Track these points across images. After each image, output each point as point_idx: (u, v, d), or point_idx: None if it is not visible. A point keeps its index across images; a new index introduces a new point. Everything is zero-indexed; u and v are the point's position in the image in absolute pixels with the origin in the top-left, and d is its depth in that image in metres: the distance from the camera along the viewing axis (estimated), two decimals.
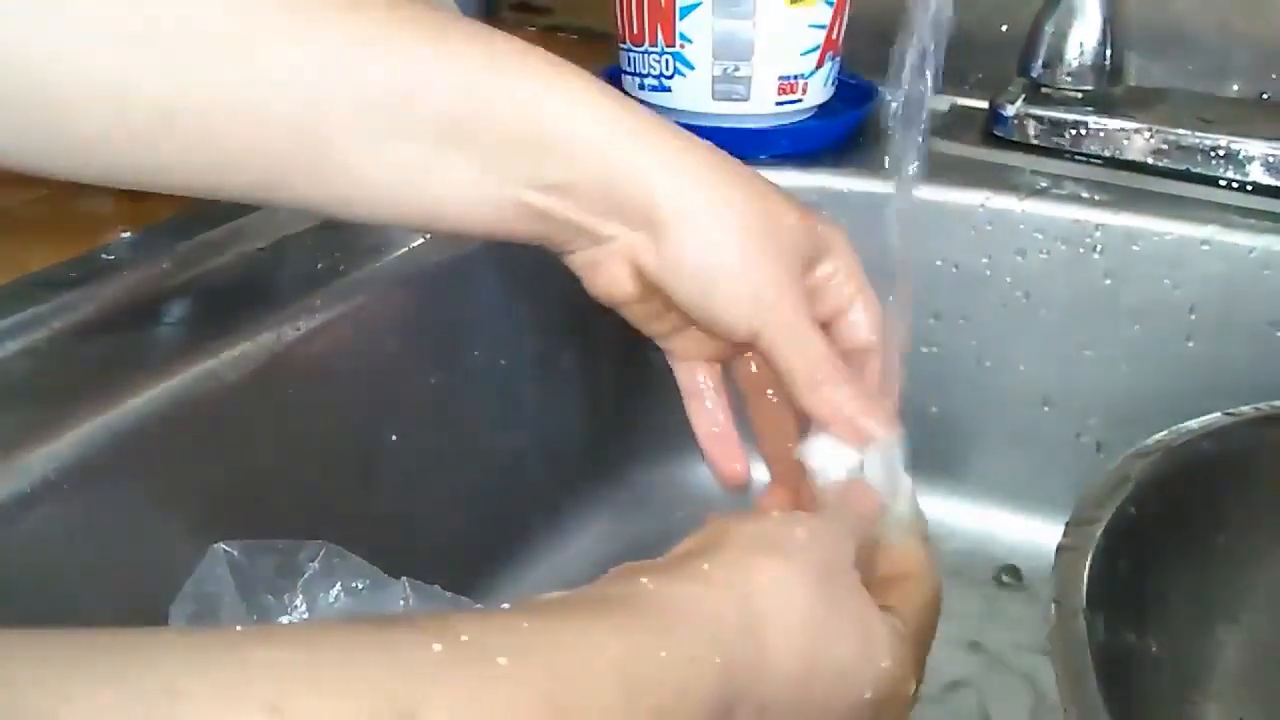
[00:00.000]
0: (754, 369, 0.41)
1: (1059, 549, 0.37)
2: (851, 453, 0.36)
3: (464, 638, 0.23)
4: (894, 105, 0.35)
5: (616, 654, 0.25)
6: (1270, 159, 0.58)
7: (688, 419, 0.42)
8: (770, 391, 0.41)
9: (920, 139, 0.36)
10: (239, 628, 0.21)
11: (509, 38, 0.34)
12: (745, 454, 0.41)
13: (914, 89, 0.37)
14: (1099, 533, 0.38)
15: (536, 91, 0.34)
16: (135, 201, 0.55)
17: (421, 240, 0.51)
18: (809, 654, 0.29)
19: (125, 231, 0.50)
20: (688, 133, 0.36)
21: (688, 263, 0.35)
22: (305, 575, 0.40)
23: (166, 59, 0.29)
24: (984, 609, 0.59)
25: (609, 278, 0.37)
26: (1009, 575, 0.61)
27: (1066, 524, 0.38)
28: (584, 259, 0.37)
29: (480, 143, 0.33)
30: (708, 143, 0.36)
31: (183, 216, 0.51)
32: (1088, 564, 0.36)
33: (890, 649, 0.31)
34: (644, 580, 0.28)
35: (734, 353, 0.41)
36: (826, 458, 0.37)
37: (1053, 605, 0.34)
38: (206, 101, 0.30)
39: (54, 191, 0.59)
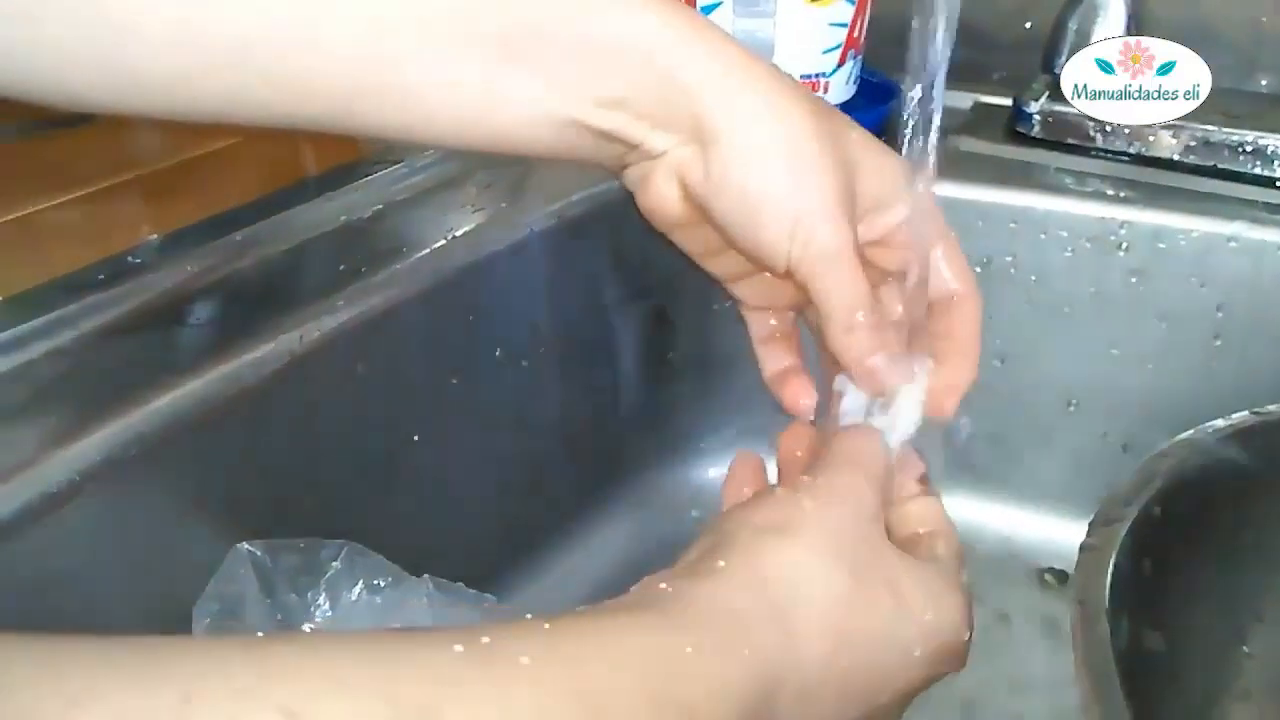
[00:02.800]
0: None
1: (1082, 549, 0.37)
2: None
3: (485, 639, 0.23)
4: (911, 99, 0.34)
5: (641, 650, 0.25)
6: None
7: (757, 363, 0.40)
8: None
9: (921, 138, 0.36)
10: (259, 634, 0.21)
11: None
12: (813, 388, 0.39)
13: (925, 88, 0.36)
14: (1123, 533, 0.38)
15: (593, 5, 0.33)
16: (163, 205, 0.56)
17: (442, 241, 0.51)
18: (840, 628, 0.29)
19: (153, 234, 0.51)
20: (746, 49, 0.35)
21: (730, 180, 0.34)
22: (328, 574, 0.40)
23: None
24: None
25: (658, 194, 0.36)
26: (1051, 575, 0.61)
27: (1090, 524, 0.38)
28: (637, 174, 0.36)
29: (542, 58, 0.33)
30: (770, 62, 0.35)
31: (206, 220, 0.51)
32: (1111, 564, 0.36)
33: (930, 600, 0.31)
34: (663, 585, 0.28)
35: (803, 299, 0.38)
36: (857, 396, 0.36)
37: (1076, 606, 0.34)
38: (278, 32, 0.30)
39: (82, 196, 0.60)
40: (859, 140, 0.36)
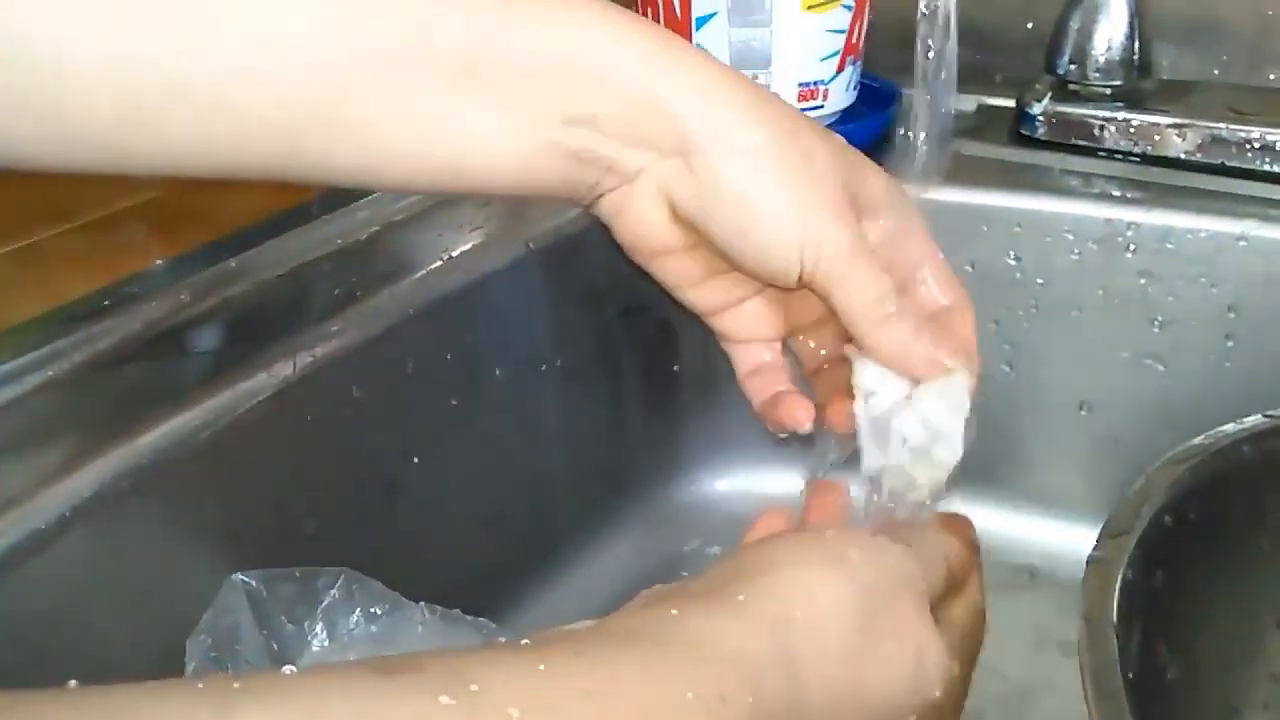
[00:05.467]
0: (813, 345, 0.38)
1: (1089, 561, 0.36)
2: (903, 382, 0.35)
3: (474, 687, 0.22)
4: (913, 112, 0.34)
5: (637, 701, 0.24)
6: None
7: (745, 396, 0.38)
8: (827, 366, 0.38)
9: (921, 141, 0.35)
10: (235, 684, 0.21)
11: None
12: (811, 405, 0.37)
13: (930, 92, 0.36)
14: (1132, 543, 0.37)
15: (553, 20, 0.32)
16: (166, 231, 0.56)
17: (439, 263, 0.51)
18: (849, 688, 0.28)
19: (153, 261, 0.51)
20: (719, 60, 0.34)
21: (726, 187, 0.32)
22: (324, 602, 0.40)
23: (174, 32, 0.28)
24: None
25: (641, 219, 0.34)
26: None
27: (1099, 535, 0.37)
28: (613, 201, 0.34)
29: (500, 82, 0.31)
30: (738, 71, 0.34)
31: (203, 246, 0.51)
32: (1120, 576, 0.35)
33: (944, 680, 0.30)
34: (674, 611, 0.27)
35: (790, 327, 0.38)
36: (879, 381, 0.35)
37: (1082, 622, 0.33)
38: (217, 71, 0.29)
39: (86, 224, 0.60)
40: (844, 147, 0.35)
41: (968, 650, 0.33)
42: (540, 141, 0.32)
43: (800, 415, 0.37)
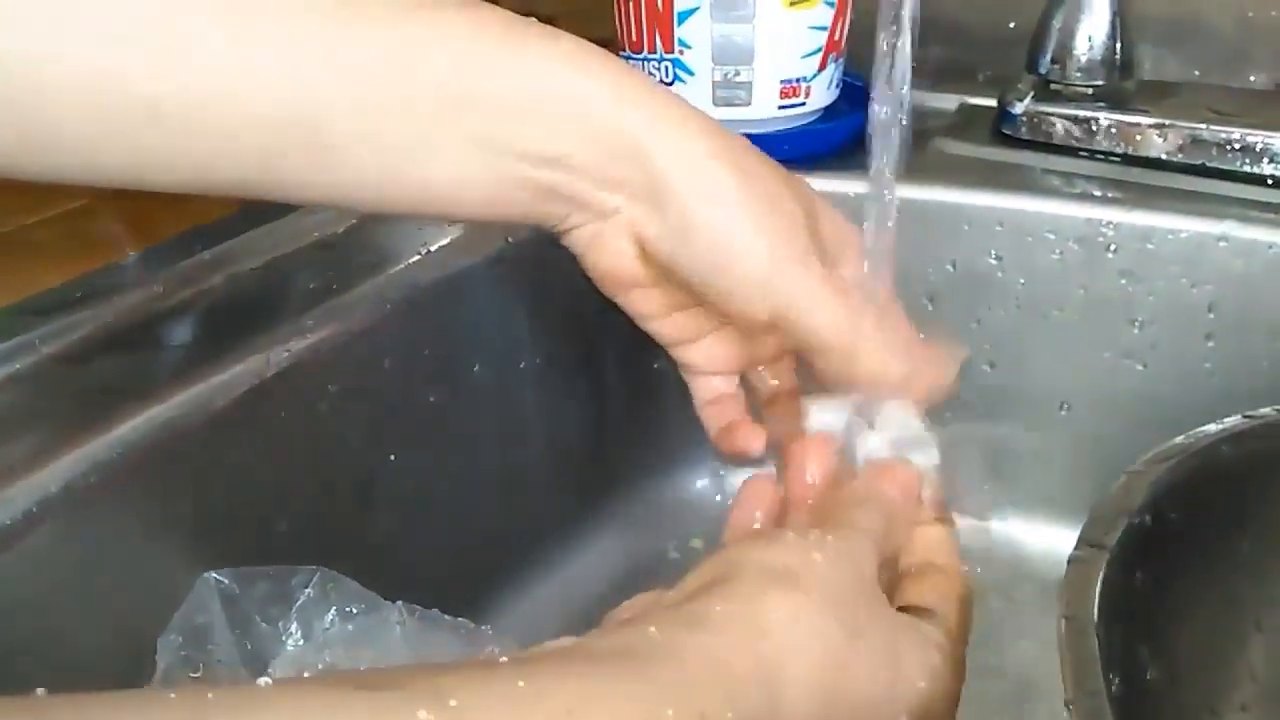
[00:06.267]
0: (769, 379, 0.40)
1: (1070, 560, 0.36)
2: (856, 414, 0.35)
3: (453, 703, 0.22)
4: (877, 108, 0.34)
5: (620, 717, 0.24)
6: None
7: (700, 422, 0.40)
8: (783, 398, 0.39)
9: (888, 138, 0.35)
10: (209, 694, 0.20)
11: (501, 10, 0.33)
12: (763, 433, 0.39)
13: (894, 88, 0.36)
14: (1113, 543, 0.37)
15: (532, 60, 0.32)
16: (143, 222, 0.55)
17: (417, 257, 0.51)
18: (829, 691, 0.28)
19: (127, 253, 0.50)
20: (688, 103, 0.35)
21: (696, 229, 0.33)
22: (299, 602, 0.39)
23: (152, 53, 0.29)
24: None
25: (612, 254, 0.35)
26: None
27: (1079, 535, 0.37)
28: (584, 235, 0.35)
29: (476, 116, 0.32)
30: (705, 113, 0.35)
31: (177, 238, 0.50)
32: (1100, 576, 0.35)
33: (926, 667, 0.30)
34: (651, 630, 0.27)
35: (750, 360, 0.39)
36: (834, 415, 0.36)
37: (1063, 621, 0.33)
38: (194, 93, 0.29)
39: (62, 214, 0.59)
40: (810, 191, 0.36)
41: (959, 619, 0.32)
42: (510, 177, 0.33)
43: (752, 442, 0.38)
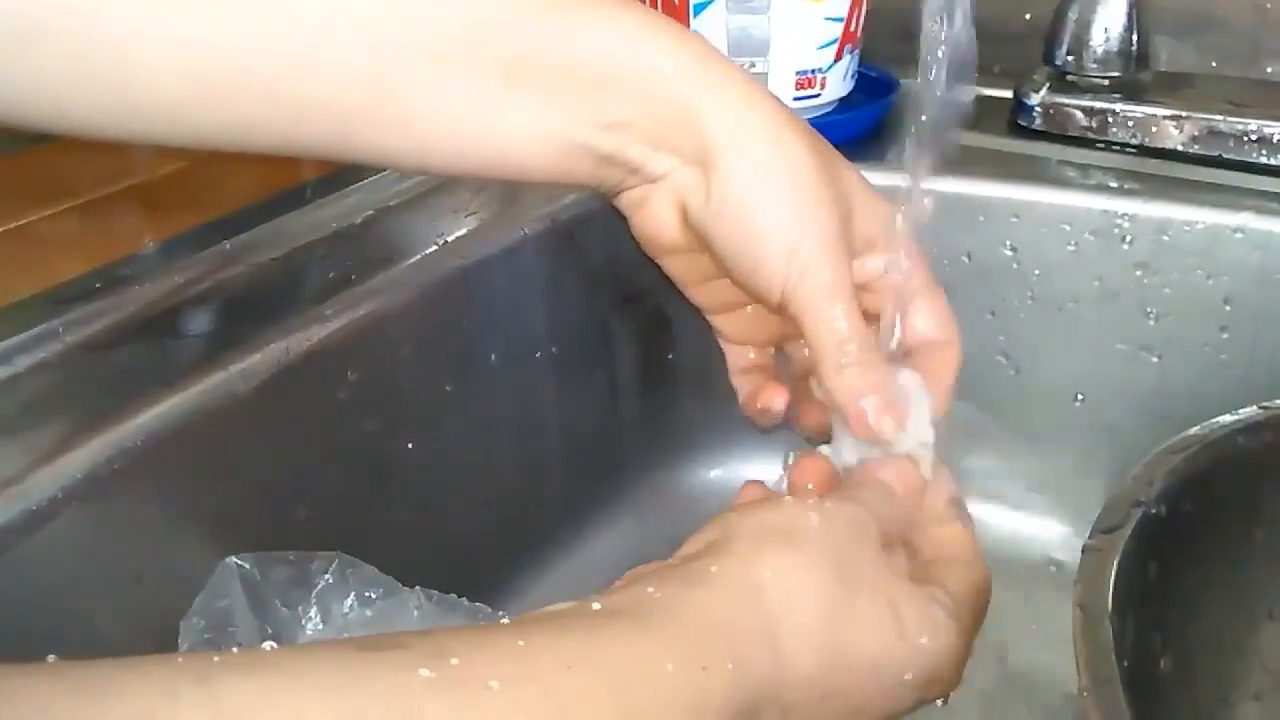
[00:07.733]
0: (805, 353, 0.39)
1: (1084, 550, 0.36)
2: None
3: (454, 661, 0.22)
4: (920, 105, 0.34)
5: (622, 671, 0.24)
6: None
7: (734, 390, 0.40)
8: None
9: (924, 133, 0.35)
10: (215, 658, 0.21)
11: None
12: (785, 391, 0.39)
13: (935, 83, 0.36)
14: (1127, 533, 0.37)
15: (599, 25, 0.33)
16: (157, 213, 0.56)
17: (434, 247, 0.51)
18: (830, 646, 0.28)
19: (147, 243, 0.50)
20: (755, 81, 0.35)
21: (731, 207, 0.34)
22: (318, 586, 0.40)
23: (239, 19, 0.30)
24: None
25: (655, 218, 0.36)
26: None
27: (1093, 524, 0.37)
28: (633, 198, 0.36)
29: (544, 83, 0.33)
30: (770, 93, 0.35)
31: (198, 228, 0.51)
32: (1115, 566, 0.35)
33: (928, 626, 0.30)
34: (650, 590, 0.27)
35: (783, 336, 0.39)
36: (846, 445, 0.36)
37: (1077, 610, 0.33)
38: (280, 57, 0.30)
39: (79, 205, 0.59)
40: (856, 181, 0.36)
41: (966, 618, 0.33)
42: (575, 143, 0.34)
43: (774, 400, 0.38)
